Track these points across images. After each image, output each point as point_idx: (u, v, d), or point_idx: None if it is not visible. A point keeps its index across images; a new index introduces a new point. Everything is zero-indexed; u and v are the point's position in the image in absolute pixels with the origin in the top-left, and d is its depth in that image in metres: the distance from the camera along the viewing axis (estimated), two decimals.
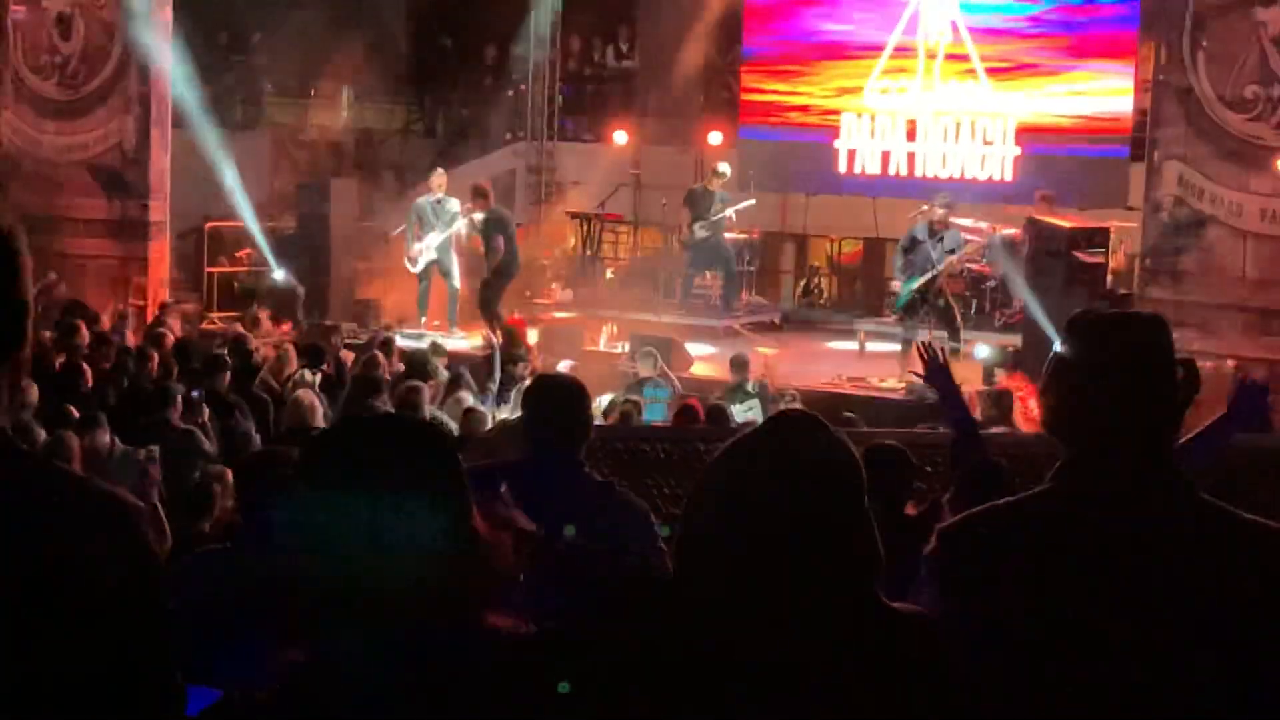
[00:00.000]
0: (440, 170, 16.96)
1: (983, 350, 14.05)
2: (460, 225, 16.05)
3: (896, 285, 14.51)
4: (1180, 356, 2.55)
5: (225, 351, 11.31)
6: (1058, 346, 2.60)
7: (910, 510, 5.54)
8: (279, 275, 16.47)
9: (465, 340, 15.26)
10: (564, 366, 12.01)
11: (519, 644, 2.09)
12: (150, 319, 14.62)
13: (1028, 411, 10.94)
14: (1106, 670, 2.35)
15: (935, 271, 14.16)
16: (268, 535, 2.41)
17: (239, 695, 2.03)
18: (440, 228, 16.10)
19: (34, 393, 8.74)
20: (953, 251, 14.30)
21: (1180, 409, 2.54)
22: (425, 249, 16.15)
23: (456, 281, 16.15)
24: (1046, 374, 2.61)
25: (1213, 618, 2.36)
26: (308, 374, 11.18)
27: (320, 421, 8.79)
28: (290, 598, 2.03)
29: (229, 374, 10.34)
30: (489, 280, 15.56)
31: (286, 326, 15.04)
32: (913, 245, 14.37)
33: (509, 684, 2.04)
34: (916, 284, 14.21)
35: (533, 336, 14.92)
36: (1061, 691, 2.37)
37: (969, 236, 15.31)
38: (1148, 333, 2.55)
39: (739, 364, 12.43)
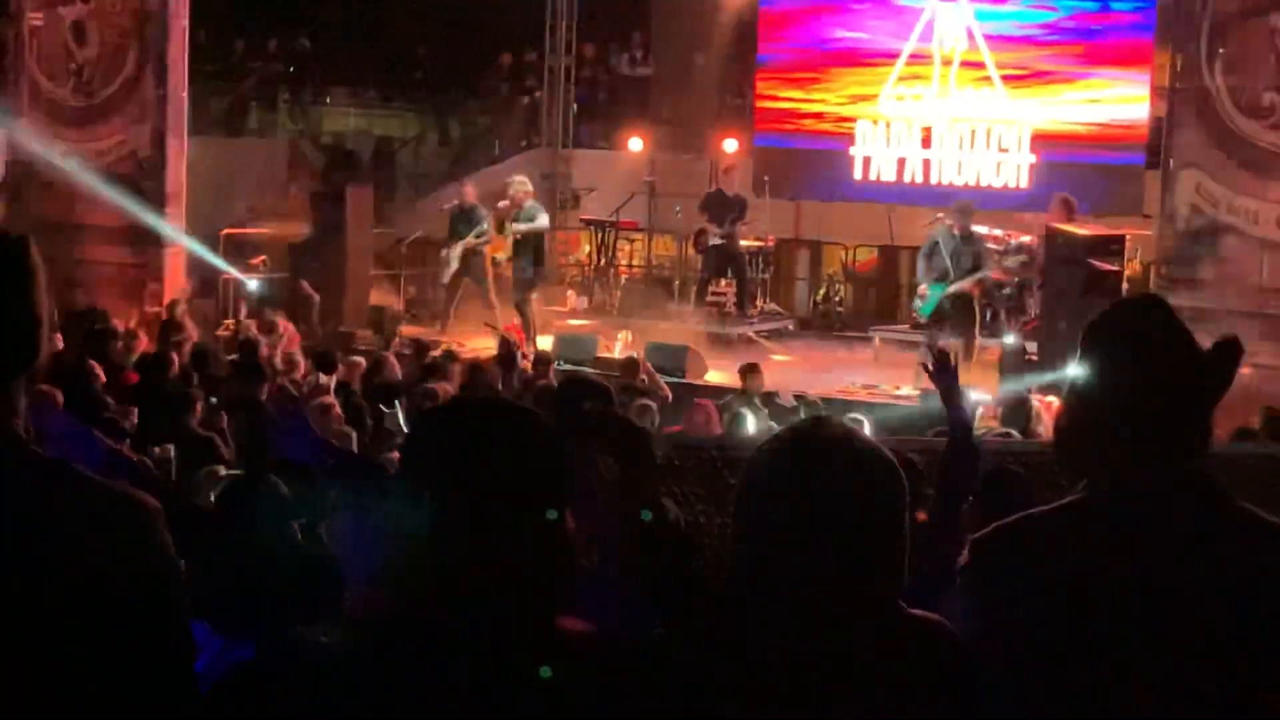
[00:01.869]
0: (468, 180, 17.00)
1: (1010, 337, 14.04)
2: (487, 236, 16.09)
3: (923, 290, 14.47)
4: (1222, 338, 2.47)
5: (242, 357, 11.36)
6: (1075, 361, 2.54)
7: (921, 517, 5.53)
8: (253, 285, 16.55)
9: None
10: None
11: (583, 646, 2.12)
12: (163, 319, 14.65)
13: (1046, 422, 10.92)
14: (1141, 680, 2.32)
15: (973, 278, 14.21)
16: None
17: (309, 637, 2.08)
18: (466, 237, 16.11)
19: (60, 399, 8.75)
20: (979, 258, 14.33)
21: (1210, 396, 2.46)
22: (449, 259, 16.20)
23: (489, 293, 16.11)
24: (1071, 385, 2.56)
25: (1249, 625, 2.33)
26: (323, 378, 11.21)
27: (341, 425, 8.79)
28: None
29: (264, 384, 10.38)
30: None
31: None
32: (934, 251, 14.36)
33: (570, 686, 2.07)
34: (944, 291, 14.21)
35: (547, 343, 14.93)
36: (1096, 701, 2.34)
37: (992, 246, 15.31)
38: (1158, 325, 2.47)
39: (749, 373, 12.31)
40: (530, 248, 15.95)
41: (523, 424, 2.15)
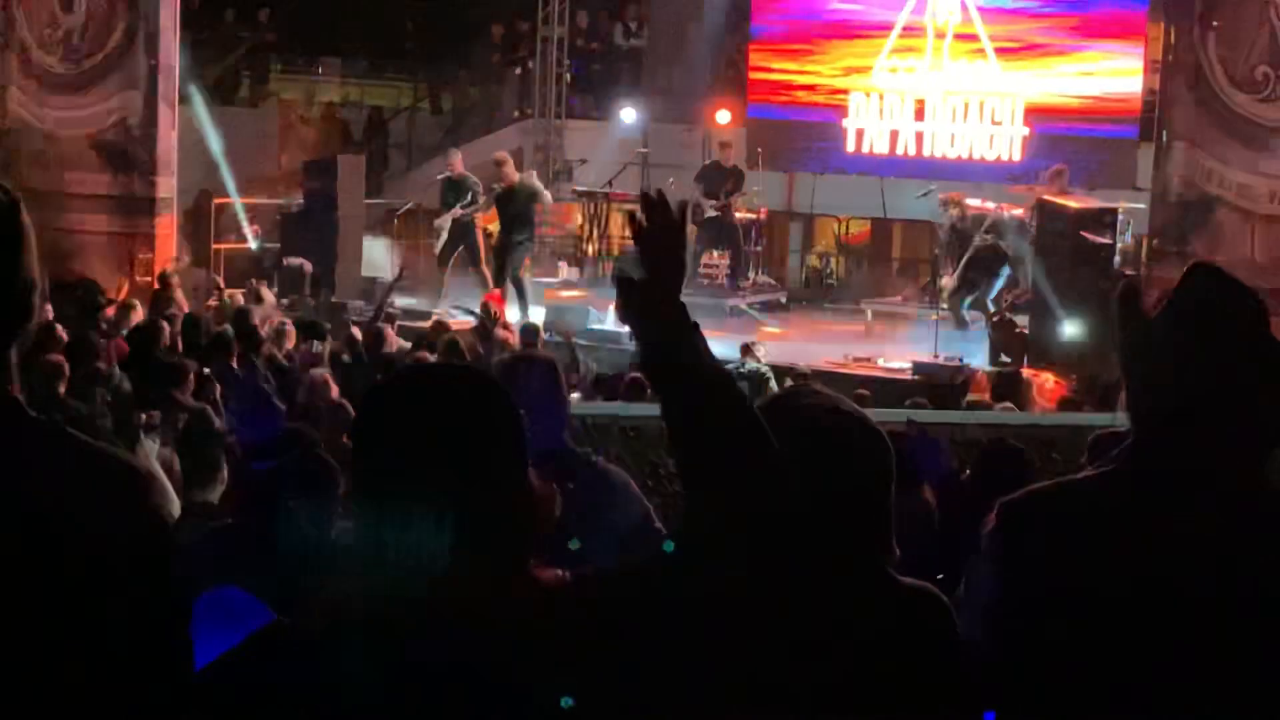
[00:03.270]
0: (455, 150, 16.97)
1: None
2: (477, 204, 16.10)
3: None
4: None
5: (227, 328, 11.32)
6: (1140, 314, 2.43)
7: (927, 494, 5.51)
8: (254, 245, 16.60)
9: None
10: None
11: (560, 592, 2.11)
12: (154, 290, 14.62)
13: (1044, 397, 10.95)
14: (1166, 655, 2.30)
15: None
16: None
17: (289, 624, 2.05)
18: (454, 207, 16.11)
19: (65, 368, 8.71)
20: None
21: (1265, 391, 2.38)
22: (439, 229, 16.21)
23: (480, 263, 16.11)
24: (1129, 344, 2.45)
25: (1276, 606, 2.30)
26: (317, 345, 11.20)
27: (335, 398, 8.75)
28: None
29: (233, 352, 10.34)
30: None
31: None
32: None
33: (553, 634, 2.05)
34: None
35: (539, 315, 14.93)
36: (1119, 672, 2.32)
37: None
38: (1252, 309, 2.39)
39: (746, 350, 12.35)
40: (525, 219, 15.92)
41: (472, 387, 2.13)
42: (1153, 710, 2.31)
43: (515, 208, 15.92)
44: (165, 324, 11.51)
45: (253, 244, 16.84)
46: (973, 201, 15.84)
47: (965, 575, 2.43)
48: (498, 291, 15.32)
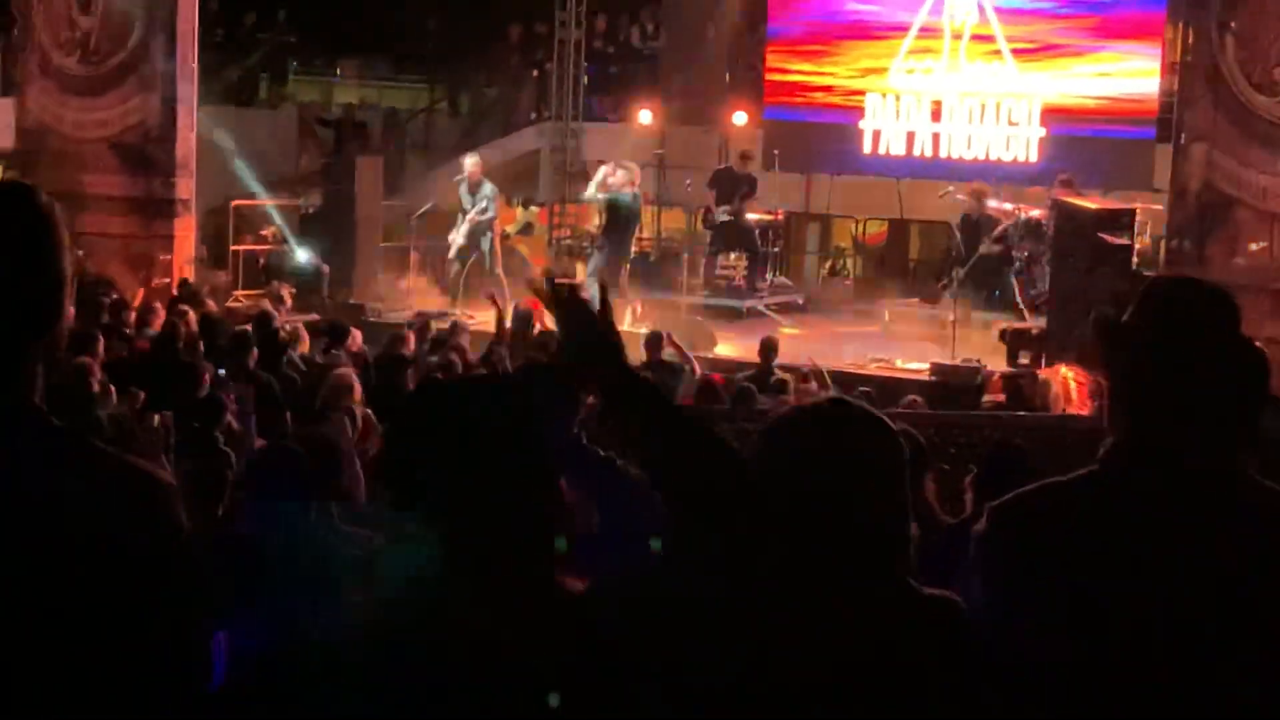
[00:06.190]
0: (473, 156, 17.02)
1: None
2: (492, 210, 16.22)
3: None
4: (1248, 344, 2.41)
5: (250, 329, 11.34)
6: (1123, 316, 2.46)
7: (931, 490, 5.52)
8: (303, 257, 16.56)
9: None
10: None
11: (582, 600, 2.14)
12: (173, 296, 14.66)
13: (1074, 396, 10.87)
14: (1151, 657, 2.31)
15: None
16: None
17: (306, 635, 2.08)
18: (471, 211, 16.23)
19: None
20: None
21: (1252, 399, 2.40)
22: (456, 234, 16.33)
23: (496, 266, 16.22)
24: (1109, 346, 2.47)
25: (1265, 607, 2.31)
26: (334, 351, 11.21)
27: (358, 399, 8.74)
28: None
29: (255, 352, 10.37)
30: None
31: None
32: None
33: (580, 640, 2.09)
34: None
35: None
36: (1105, 677, 2.32)
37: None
38: (1225, 311, 2.42)
39: (768, 348, 12.20)
40: (619, 222, 16.06)
41: (505, 398, 2.17)
42: (1141, 710, 2.32)
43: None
44: (182, 325, 11.53)
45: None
46: (991, 203, 15.83)
47: (959, 578, 2.45)
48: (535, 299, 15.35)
